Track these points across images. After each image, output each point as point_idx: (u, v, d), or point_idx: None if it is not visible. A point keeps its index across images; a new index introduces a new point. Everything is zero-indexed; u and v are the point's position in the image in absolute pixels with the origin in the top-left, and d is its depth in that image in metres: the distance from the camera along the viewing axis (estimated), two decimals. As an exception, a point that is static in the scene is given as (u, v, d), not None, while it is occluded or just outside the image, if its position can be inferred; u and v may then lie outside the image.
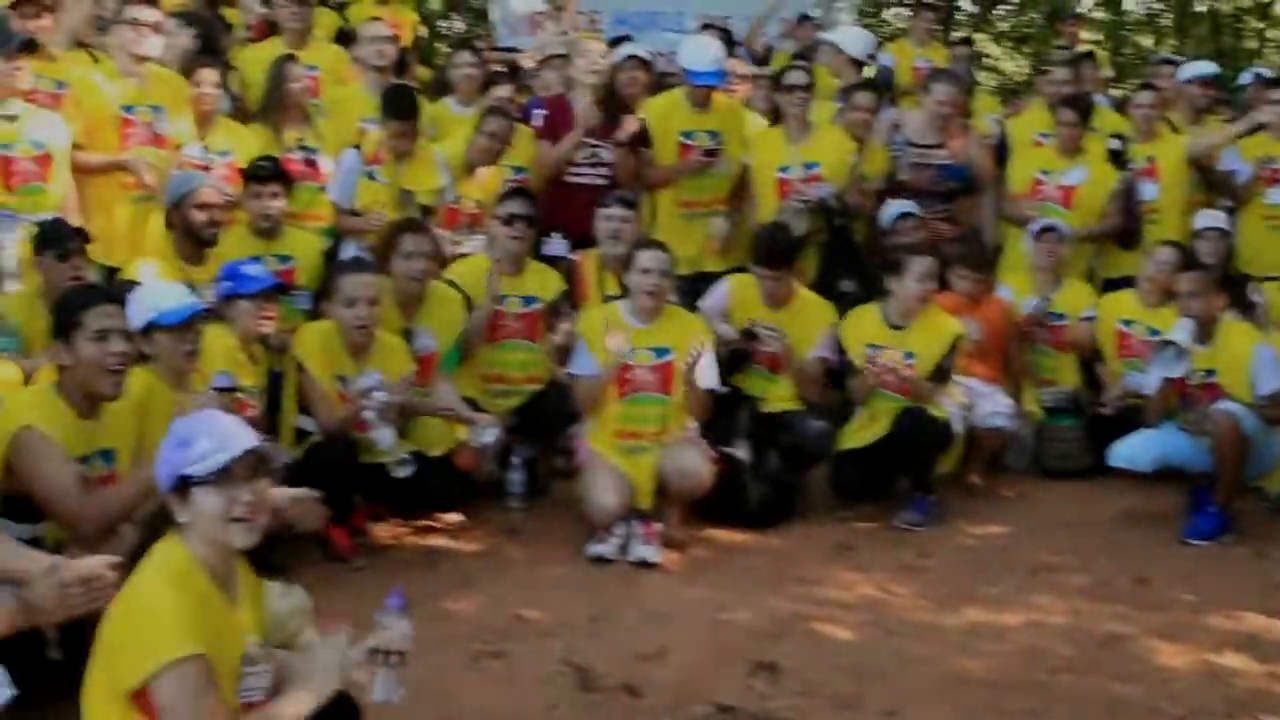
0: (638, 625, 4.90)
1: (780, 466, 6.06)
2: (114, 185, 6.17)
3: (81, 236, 5.29)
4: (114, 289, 4.42)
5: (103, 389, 4.10)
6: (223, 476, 2.88)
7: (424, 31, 11.69)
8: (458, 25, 14.78)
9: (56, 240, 5.19)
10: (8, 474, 3.97)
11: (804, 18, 10.14)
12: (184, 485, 2.90)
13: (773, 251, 6.22)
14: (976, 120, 8.30)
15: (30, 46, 5.65)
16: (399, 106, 6.49)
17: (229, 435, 2.93)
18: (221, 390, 4.76)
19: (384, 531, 5.73)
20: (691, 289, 6.58)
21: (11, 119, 5.57)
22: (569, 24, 9.14)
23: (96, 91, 6.18)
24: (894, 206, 7.24)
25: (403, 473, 5.37)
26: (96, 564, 3.45)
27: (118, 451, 4.25)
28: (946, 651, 4.69)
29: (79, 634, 3.57)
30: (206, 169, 6.21)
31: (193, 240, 5.67)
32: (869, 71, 9.05)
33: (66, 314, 4.13)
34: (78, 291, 4.30)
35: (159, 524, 3.04)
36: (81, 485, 4.02)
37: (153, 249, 5.87)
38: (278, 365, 5.57)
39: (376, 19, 7.63)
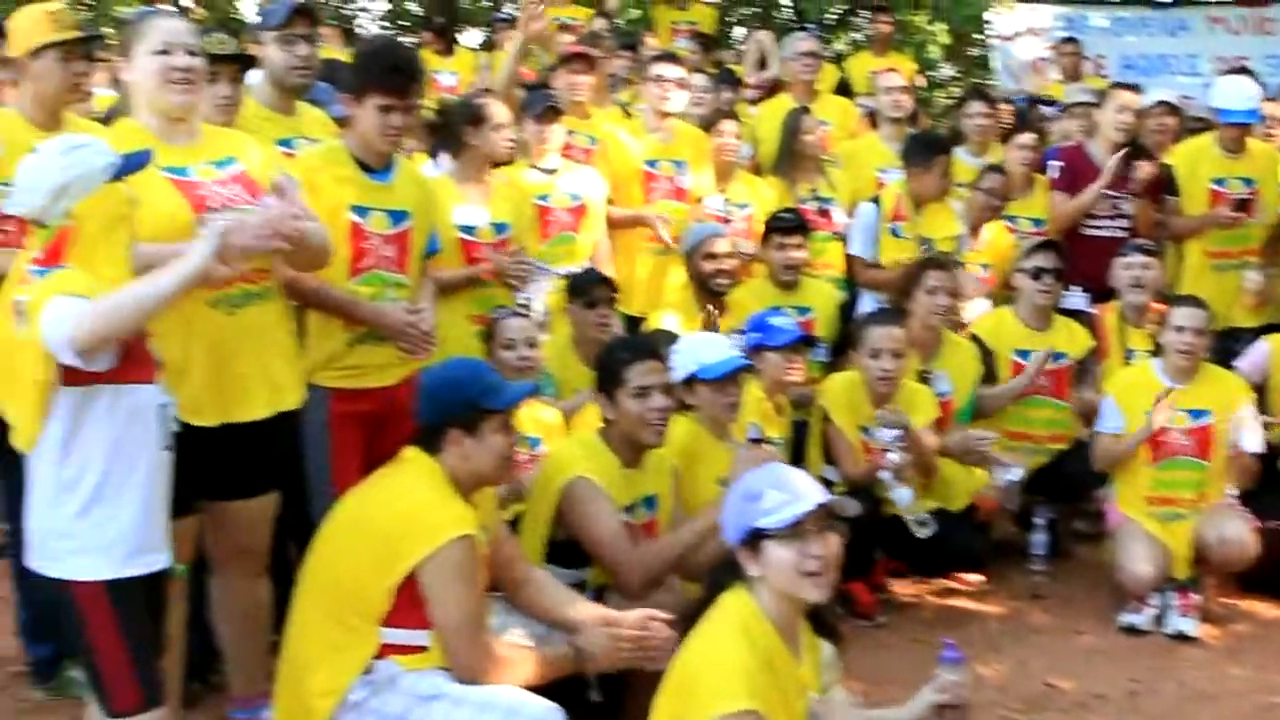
0: (1179, 703, 4.64)
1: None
2: (636, 237, 6.33)
3: (609, 286, 5.46)
4: (653, 342, 4.47)
5: (646, 439, 4.16)
6: (795, 530, 2.81)
7: (922, 81, 11.59)
8: (944, 71, 14.56)
9: (585, 290, 5.37)
10: (557, 520, 4.08)
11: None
12: (755, 538, 2.85)
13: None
14: None
15: (555, 112, 5.90)
16: (925, 153, 6.36)
17: (800, 488, 2.88)
18: (752, 441, 4.75)
19: (904, 589, 5.60)
20: (1221, 346, 6.10)
21: (550, 172, 5.82)
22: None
23: (622, 147, 6.38)
24: None
25: (923, 533, 5.23)
26: (647, 619, 3.49)
27: (659, 498, 4.29)
28: None
29: (617, 678, 3.64)
30: (726, 221, 6.30)
31: (705, 291, 5.74)
32: None
33: (609, 370, 4.21)
34: (620, 347, 4.39)
35: (722, 578, 3.03)
36: (627, 533, 4.07)
37: (672, 300, 6.00)
38: (800, 416, 5.54)
39: (891, 70, 7.58)
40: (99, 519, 3.12)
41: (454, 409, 3.51)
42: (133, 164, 3.17)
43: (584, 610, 3.70)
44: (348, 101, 4.29)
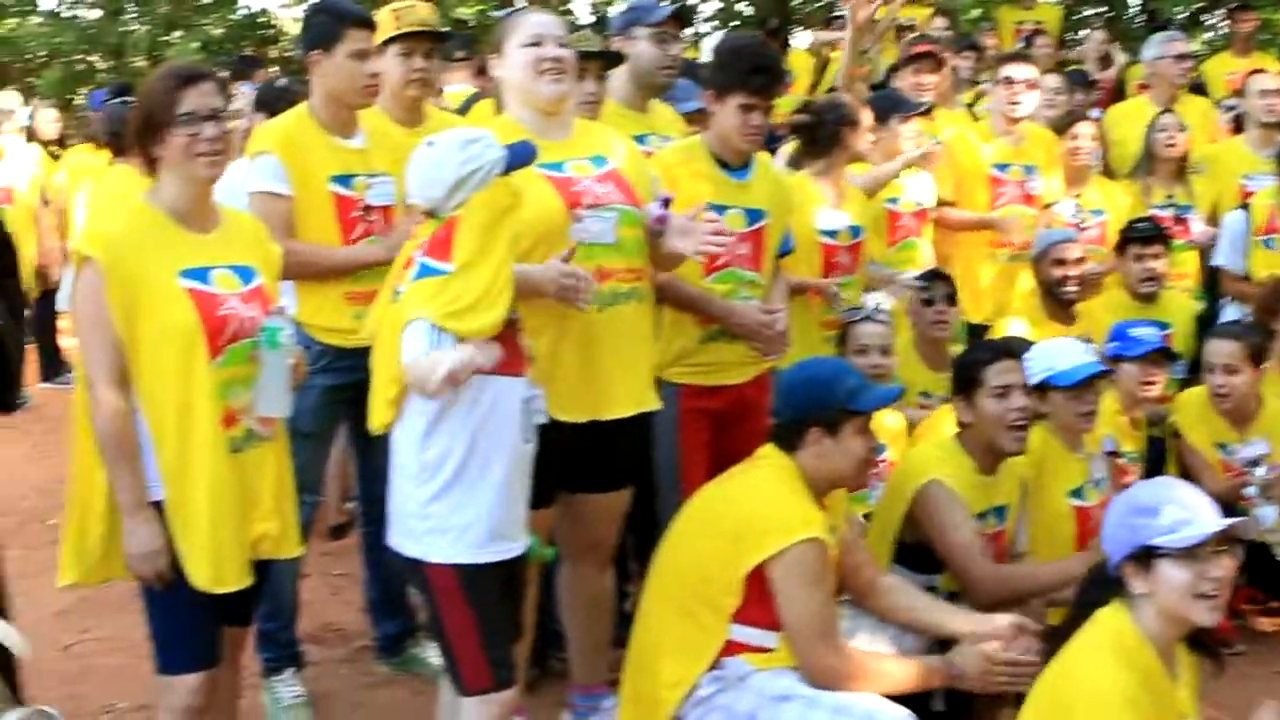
0: None
1: None
2: (980, 243, 6.17)
3: (947, 283, 5.37)
4: (1013, 345, 4.32)
5: (1006, 445, 4.02)
6: (1193, 550, 2.66)
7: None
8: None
9: (923, 286, 5.30)
10: (909, 524, 3.99)
11: None
12: (1147, 555, 2.70)
13: None
14: None
15: (927, 111, 5.82)
16: None
17: (1199, 507, 2.71)
18: (1107, 454, 4.55)
19: (1267, 620, 5.26)
20: None
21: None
22: None
23: (972, 149, 6.22)
24: None
25: (1292, 553, 4.87)
26: (1017, 630, 3.37)
27: (1010, 507, 4.15)
28: None
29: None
30: (1079, 228, 6.07)
31: (1053, 298, 5.55)
32: None
33: (968, 371, 4.11)
34: (978, 348, 4.27)
35: (1097, 594, 2.90)
36: (979, 543, 3.95)
37: (1020, 307, 5.81)
38: (1157, 432, 5.29)
39: (1261, 71, 7.15)
40: (455, 503, 3.19)
41: (816, 408, 3.47)
42: (520, 158, 3.25)
43: (955, 620, 3.60)
44: (709, 99, 4.31)
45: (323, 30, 4.29)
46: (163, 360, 3.12)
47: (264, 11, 17.13)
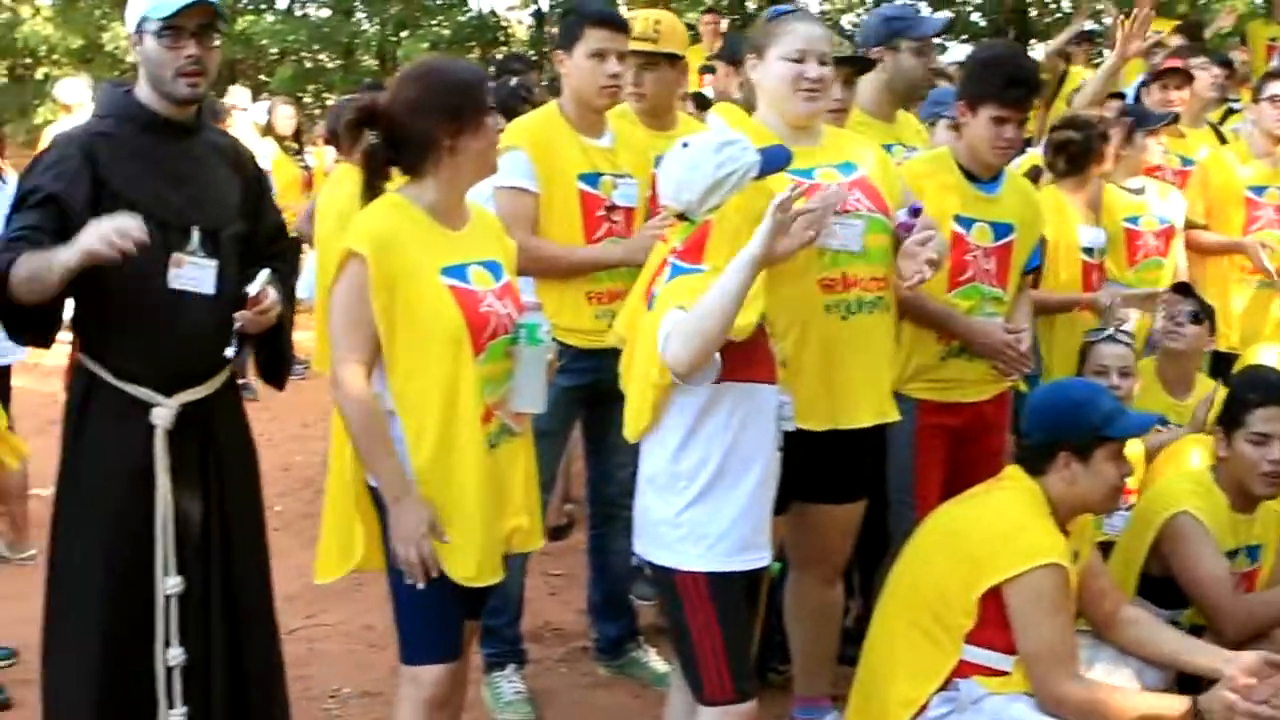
0: None
1: None
2: (1232, 267, 5.95)
3: (1185, 290, 5.18)
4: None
5: (1256, 489, 3.88)
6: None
7: None
8: None
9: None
10: (1155, 556, 3.85)
11: None
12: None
13: None
14: None
15: (1173, 120, 5.62)
16: None
17: None
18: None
19: None
20: None
21: (1138, 192, 5.53)
22: None
23: (1228, 170, 5.99)
24: None
25: None
26: (1265, 664, 3.24)
27: (1265, 548, 3.97)
28: None
29: None
30: (1343, 255, 5.79)
31: None
32: None
33: (1234, 408, 3.95)
34: (1251, 385, 4.06)
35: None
36: (1230, 579, 3.79)
37: (1272, 335, 5.61)
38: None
39: None
40: (709, 512, 3.16)
41: (1070, 432, 3.39)
42: (775, 162, 3.22)
43: (1201, 656, 3.46)
44: (961, 110, 4.22)
45: (566, 30, 4.37)
46: (429, 359, 3.15)
47: (493, 13, 17.50)
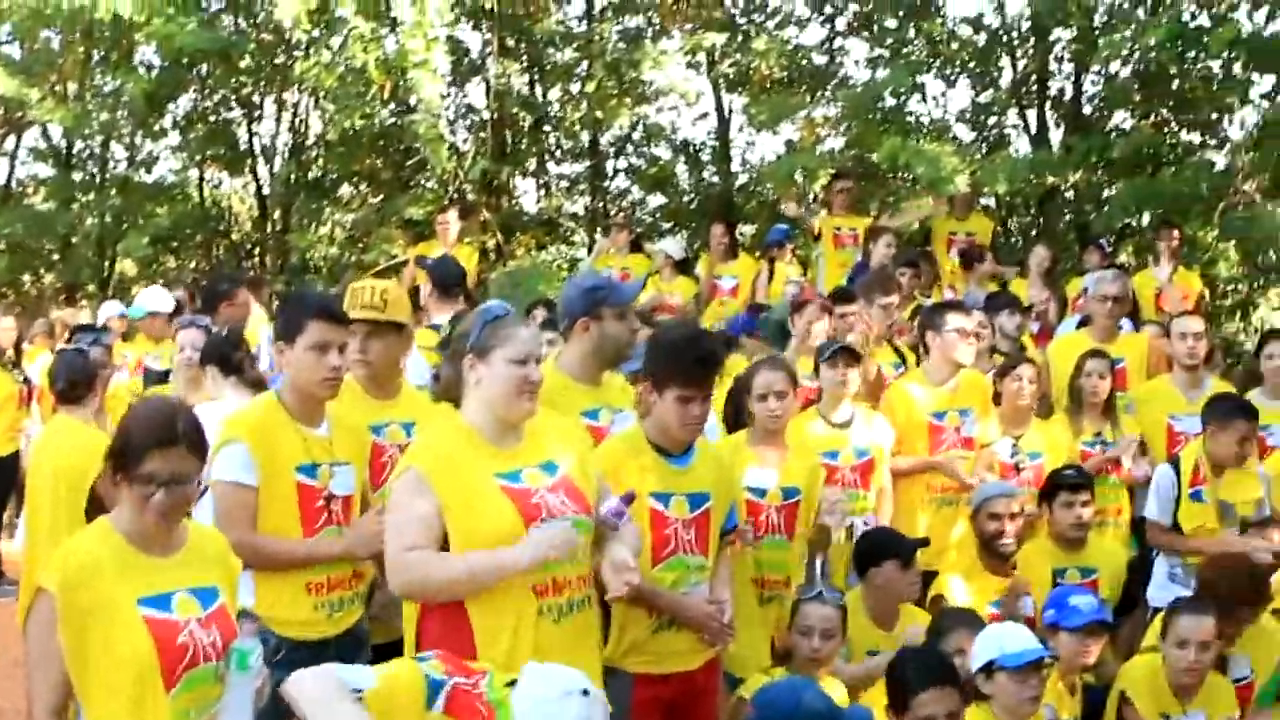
0: None
1: None
2: (919, 488, 6.34)
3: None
4: (949, 664, 4.42)
5: None
6: None
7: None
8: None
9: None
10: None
11: None
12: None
13: None
14: None
15: (853, 356, 6.01)
16: (1224, 415, 6.09)
17: None
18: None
19: None
20: None
21: (843, 426, 5.98)
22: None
23: (910, 402, 6.46)
24: None
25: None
26: None
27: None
28: None
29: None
30: (1016, 469, 6.28)
31: (989, 551, 5.66)
32: None
33: (899, 688, 4.26)
34: (916, 665, 4.34)
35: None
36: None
37: (956, 560, 5.95)
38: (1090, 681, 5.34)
39: (1190, 315, 7.30)
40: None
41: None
42: None
43: None
44: (647, 389, 4.47)
45: (287, 321, 4.40)
46: (120, 691, 3.21)
47: (215, 203, 17.28)
